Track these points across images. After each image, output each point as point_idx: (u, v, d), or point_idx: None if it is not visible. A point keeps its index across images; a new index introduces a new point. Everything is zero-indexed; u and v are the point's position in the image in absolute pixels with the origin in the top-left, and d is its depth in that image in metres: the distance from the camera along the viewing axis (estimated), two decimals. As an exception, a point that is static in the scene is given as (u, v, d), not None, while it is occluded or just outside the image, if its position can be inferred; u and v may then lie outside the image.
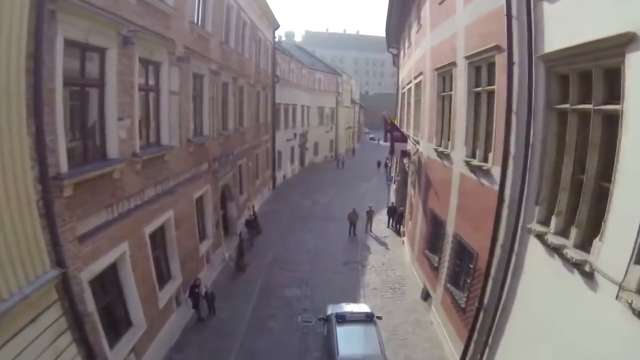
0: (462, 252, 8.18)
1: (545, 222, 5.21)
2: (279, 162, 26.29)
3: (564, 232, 4.84)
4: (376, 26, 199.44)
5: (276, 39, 25.18)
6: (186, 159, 10.02)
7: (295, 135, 29.15)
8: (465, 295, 7.83)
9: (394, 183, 19.81)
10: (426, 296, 10.86)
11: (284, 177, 27.70)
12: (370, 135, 67.61)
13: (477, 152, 7.52)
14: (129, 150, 7.11)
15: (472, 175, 7.59)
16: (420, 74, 12.13)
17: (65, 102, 5.37)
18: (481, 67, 7.54)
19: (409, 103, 15.83)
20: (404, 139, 12.54)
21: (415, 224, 12.11)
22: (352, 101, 50.31)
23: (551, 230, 4.97)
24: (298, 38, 69.70)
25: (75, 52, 5.64)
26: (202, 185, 11.33)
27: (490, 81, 7.16)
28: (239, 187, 16.14)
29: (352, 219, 16.19)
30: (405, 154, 12.72)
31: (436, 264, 9.79)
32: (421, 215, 11.38)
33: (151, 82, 8.37)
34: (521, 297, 5.74)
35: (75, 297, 5.31)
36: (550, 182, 5.27)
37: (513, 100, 6.07)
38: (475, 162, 7.48)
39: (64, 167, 5.20)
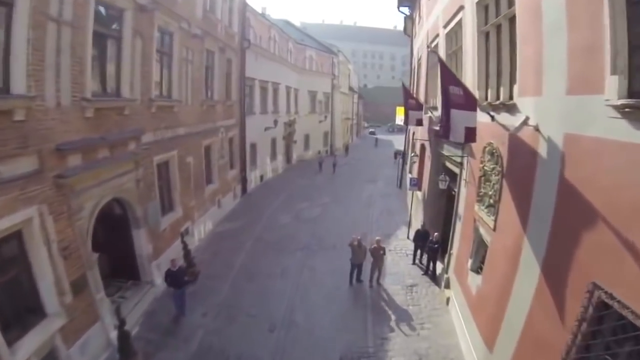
0: None
1: None
2: (253, 159, 19.50)
3: None
4: (374, 18, 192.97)
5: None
6: None
7: (276, 122, 22.27)
8: None
9: (420, 189, 13.01)
10: None
11: (262, 177, 20.91)
12: (370, 130, 61.57)
13: None
14: None
15: None
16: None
17: None
18: None
19: (452, 54, 9.09)
20: (470, 104, 5.80)
21: (506, 293, 5.34)
22: (351, 88, 43.53)
23: None
24: (293, 28, 62.91)
25: None
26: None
27: None
28: (160, 200, 9.36)
29: (357, 258, 9.23)
30: (470, 135, 5.95)
31: None
32: (536, 282, 4.58)
33: None
34: None
35: None
36: None
37: None
38: None
39: None
